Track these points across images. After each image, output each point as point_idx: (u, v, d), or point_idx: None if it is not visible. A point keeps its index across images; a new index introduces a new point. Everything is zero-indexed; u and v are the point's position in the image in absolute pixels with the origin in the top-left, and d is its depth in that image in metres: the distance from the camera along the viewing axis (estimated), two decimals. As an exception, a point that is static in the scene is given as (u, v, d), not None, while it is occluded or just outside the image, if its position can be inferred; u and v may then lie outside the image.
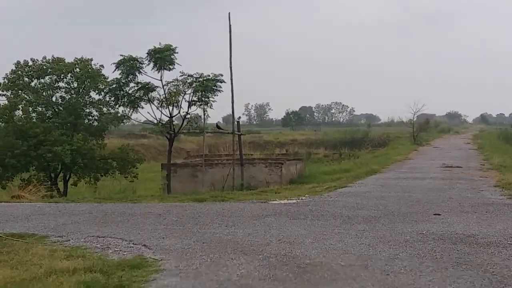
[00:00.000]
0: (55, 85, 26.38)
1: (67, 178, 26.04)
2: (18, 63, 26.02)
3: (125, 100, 23.49)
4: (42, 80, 26.34)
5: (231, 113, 24.14)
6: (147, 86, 23.16)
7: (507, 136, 54.91)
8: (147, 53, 22.58)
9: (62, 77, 26.28)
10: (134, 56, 22.74)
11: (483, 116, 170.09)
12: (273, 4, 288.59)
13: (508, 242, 7.46)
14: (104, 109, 26.87)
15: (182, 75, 22.97)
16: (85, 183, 25.91)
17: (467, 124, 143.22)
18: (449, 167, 22.30)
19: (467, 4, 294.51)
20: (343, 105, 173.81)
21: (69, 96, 26.50)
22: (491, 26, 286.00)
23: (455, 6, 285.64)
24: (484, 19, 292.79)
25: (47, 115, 26.30)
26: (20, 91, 25.78)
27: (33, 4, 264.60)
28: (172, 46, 22.82)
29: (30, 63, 26.09)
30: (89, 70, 26.18)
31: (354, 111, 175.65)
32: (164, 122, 23.82)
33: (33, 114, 25.81)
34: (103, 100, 26.07)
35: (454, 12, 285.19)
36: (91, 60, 26.68)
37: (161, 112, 23.72)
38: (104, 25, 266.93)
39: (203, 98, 23.14)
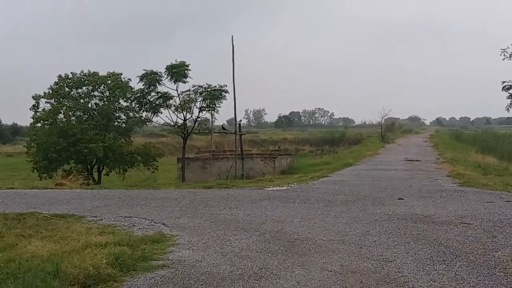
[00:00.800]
0: (91, 94, 26.35)
1: (100, 169, 26.05)
2: (60, 76, 26.03)
3: (148, 106, 23.61)
4: (80, 90, 26.30)
5: (234, 117, 24.17)
6: (165, 95, 23.23)
7: (457, 136, 54.92)
8: (166, 68, 22.74)
9: (96, 88, 26.26)
10: (155, 70, 22.91)
11: (438, 119, 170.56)
12: (271, 25, 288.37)
13: (458, 221, 7.48)
14: (131, 114, 26.81)
15: (194, 86, 23.18)
16: (116, 174, 25.91)
17: (425, 126, 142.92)
18: (410, 161, 22.29)
19: (433, 23, 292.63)
20: (325, 110, 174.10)
21: (102, 103, 26.46)
22: (449, 44, 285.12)
23: (422, 21, 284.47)
24: (443, 35, 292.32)
25: (84, 118, 26.25)
26: (62, 99, 25.74)
27: (70, 28, 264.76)
28: (186, 62, 22.93)
29: (70, 76, 26.07)
30: (119, 82, 26.15)
31: (333, 115, 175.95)
32: (179, 124, 23.92)
33: (73, 118, 25.77)
34: (130, 106, 26.03)
35: (417, 27, 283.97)
36: (121, 74, 26.69)
37: (177, 116, 23.81)
38: (131, 44, 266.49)
39: (211, 105, 23.25)
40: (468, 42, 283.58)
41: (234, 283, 4.64)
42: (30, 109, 25.42)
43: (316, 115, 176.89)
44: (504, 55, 24.90)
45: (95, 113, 26.18)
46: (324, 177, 15.79)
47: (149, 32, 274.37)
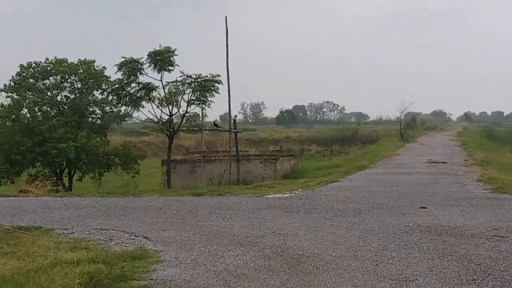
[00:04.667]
0: (59, 86, 26.28)
1: (71, 174, 26.02)
2: (22, 65, 25.95)
3: (127, 99, 23.53)
4: (47, 81, 26.24)
5: (228, 111, 24.11)
6: (148, 86, 23.19)
7: (489, 133, 55.19)
8: (148, 55, 22.59)
9: (66, 78, 26.19)
10: (135, 58, 22.77)
11: (467, 114, 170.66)
12: (269, 7, 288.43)
13: (491, 234, 7.49)
14: (107, 108, 26.74)
15: (182, 76, 23.02)
16: (90, 178, 25.86)
17: (451, 122, 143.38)
18: (434, 163, 22.35)
19: (454, 5, 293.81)
20: (334, 104, 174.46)
21: (73, 96, 26.39)
22: (475, 28, 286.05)
23: (442, 8, 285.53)
24: (469, 20, 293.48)
25: (52, 114, 26.19)
26: (26, 92, 25.66)
27: (32, 5, 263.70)
28: (171, 48, 22.83)
29: (34, 65, 26.00)
30: (92, 71, 26.10)
31: (344, 109, 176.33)
32: (164, 121, 23.84)
33: (39, 113, 25.69)
34: (106, 99, 25.96)
35: (440, 15, 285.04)
36: (94, 61, 26.61)
37: (161, 111, 23.77)
38: (106, 26, 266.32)
39: (201, 98, 23.17)
40: (498, 27, 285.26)
41: (228, 307, 4.64)
42: (-13, 104, 25.40)
43: (324, 109, 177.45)
44: None
45: (65, 107, 26.11)
46: (333, 182, 15.81)
47: (128, 11, 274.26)
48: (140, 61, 22.74)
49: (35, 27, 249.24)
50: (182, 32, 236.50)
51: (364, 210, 9.81)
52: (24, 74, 25.80)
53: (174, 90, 23.37)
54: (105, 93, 25.53)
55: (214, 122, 29.87)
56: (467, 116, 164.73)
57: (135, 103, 23.57)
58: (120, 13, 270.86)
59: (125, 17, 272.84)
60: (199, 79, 23.00)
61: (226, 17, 22.87)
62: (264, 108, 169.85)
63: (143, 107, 23.82)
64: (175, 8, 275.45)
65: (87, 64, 26.30)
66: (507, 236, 7.32)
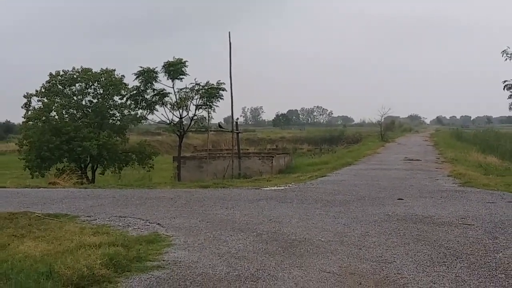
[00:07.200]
0: (84, 91, 26.31)
1: (94, 168, 26.04)
2: (51, 74, 25.98)
3: (143, 104, 23.62)
4: (73, 88, 26.27)
5: (231, 114, 24.16)
6: (161, 93, 23.27)
7: (458, 135, 55.12)
8: (163, 66, 22.82)
9: (90, 85, 26.24)
10: (151, 68, 22.89)
11: (439, 118, 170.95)
12: (267, 24, 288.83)
13: (459, 222, 7.49)
14: (126, 111, 26.78)
15: (191, 84, 23.20)
16: (111, 172, 25.88)
17: (425, 124, 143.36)
18: (410, 160, 22.30)
19: (434, 19, 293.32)
20: (323, 108, 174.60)
21: (96, 100, 26.45)
22: (448, 40, 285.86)
23: (423, 21, 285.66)
24: (442, 32, 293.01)
25: (77, 116, 26.21)
26: (54, 97, 25.68)
27: (60, 20, 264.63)
28: (183, 60, 22.96)
29: (62, 73, 26.03)
30: (113, 79, 26.14)
31: (332, 113, 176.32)
32: (175, 122, 23.90)
33: (66, 115, 25.71)
34: (124, 103, 25.99)
35: (418, 25, 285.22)
36: (114, 70, 26.66)
37: (173, 114, 23.83)
38: (126, 40, 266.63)
39: (207, 103, 23.28)
40: (469, 39, 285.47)
41: (230, 284, 4.64)
42: (22, 107, 25.43)
43: (315, 113, 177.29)
44: (506, 55, 25.16)
45: (89, 110, 26.14)
46: (322, 176, 15.78)
47: (148, 31, 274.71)
48: (155, 70, 22.86)
49: (68, 43, 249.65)
50: (192, 45, 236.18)
51: (349, 201, 9.80)
52: (53, 81, 25.87)
53: (184, 96, 23.40)
54: (124, 98, 25.61)
55: (218, 124, 29.79)
56: (439, 120, 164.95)
57: (150, 107, 23.69)
58: (139, 31, 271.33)
59: (143, 35, 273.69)
60: (206, 87, 23.10)
61: (229, 32, 22.78)
62: (262, 112, 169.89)
63: (157, 110, 23.98)
64: (187, 26, 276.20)
65: (108, 73, 26.37)
66: (473, 224, 7.32)
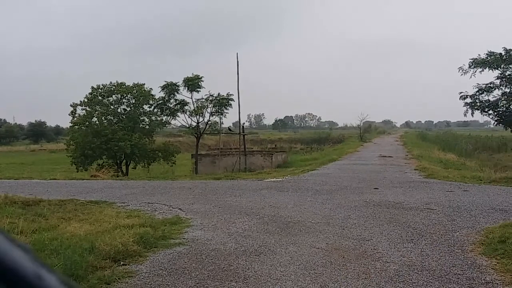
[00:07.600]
0: (119, 101, 26.40)
1: (128, 164, 26.05)
2: (93, 87, 26.16)
3: (167, 111, 23.74)
4: (111, 98, 26.35)
5: (238, 120, 24.20)
6: (182, 102, 23.31)
7: (423, 136, 54.87)
8: (183, 80, 22.85)
9: (124, 96, 26.31)
10: (174, 82, 23.05)
11: (407, 122, 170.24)
12: (269, 43, 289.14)
13: (424, 207, 7.47)
14: (153, 117, 26.81)
15: (206, 95, 23.27)
16: (141, 167, 25.92)
17: (396, 128, 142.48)
18: (384, 157, 22.23)
19: (401, 40, 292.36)
20: (313, 114, 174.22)
21: (129, 109, 26.48)
22: (417, 57, 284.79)
23: (392, 41, 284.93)
24: (412, 50, 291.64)
25: (114, 121, 26.20)
26: (95, 106, 25.79)
27: (97, 42, 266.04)
28: (199, 76, 23.02)
29: (101, 86, 26.17)
30: (142, 91, 26.19)
31: (320, 119, 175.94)
32: (193, 126, 23.92)
33: (105, 121, 25.76)
34: (152, 111, 26.05)
35: (391, 44, 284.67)
36: (144, 84, 26.75)
37: (191, 120, 23.78)
38: (155, 58, 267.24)
39: (219, 110, 23.34)
40: (433, 56, 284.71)
41: (238, 257, 4.64)
42: (69, 114, 25.55)
43: (306, 118, 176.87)
44: (461, 71, 25.07)
45: (123, 117, 26.15)
46: (313, 170, 15.76)
47: (175, 50, 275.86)
48: (177, 84, 22.99)
49: (106, 61, 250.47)
50: (207, 63, 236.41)
51: (334, 190, 9.79)
52: (95, 93, 25.95)
53: (201, 105, 23.45)
54: (152, 106, 25.69)
55: (228, 127, 29.77)
56: (407, 124, 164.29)
57: (173, 114, 23.74)
58: (168, 50, 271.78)
59: (172, 53, 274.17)
60: (218, 98, 23.17)
61: (237, 53, 22.73)
62: (264, 117, 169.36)
63: (178, 116, 23.94)
64: (204, 46, 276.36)
65: (139, 86, 26.42)
66: (435, 209, 7.30)
